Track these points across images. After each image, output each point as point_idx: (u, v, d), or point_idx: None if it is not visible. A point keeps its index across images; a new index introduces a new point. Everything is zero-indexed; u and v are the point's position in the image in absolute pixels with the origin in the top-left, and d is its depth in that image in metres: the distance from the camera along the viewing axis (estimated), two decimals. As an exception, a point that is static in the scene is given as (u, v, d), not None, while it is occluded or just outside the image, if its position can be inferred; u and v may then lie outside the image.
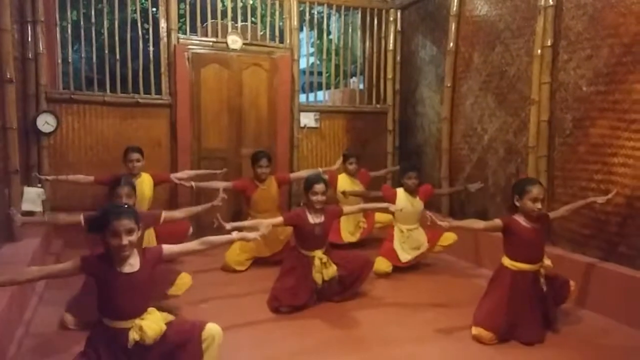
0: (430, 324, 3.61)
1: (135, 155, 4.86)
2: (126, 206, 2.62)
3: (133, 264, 2.49)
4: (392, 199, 4.83)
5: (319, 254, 3.92)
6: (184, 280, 3.62)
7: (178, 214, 4.02)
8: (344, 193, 5.47)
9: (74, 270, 2.46)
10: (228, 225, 3.42)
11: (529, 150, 4.64)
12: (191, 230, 4.71)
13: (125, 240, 2.39)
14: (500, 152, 5.19)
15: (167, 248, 2.66)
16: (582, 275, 3.89)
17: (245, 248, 4.86)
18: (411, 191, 4.92)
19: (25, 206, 4.74)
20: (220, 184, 5.17)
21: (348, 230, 5.67)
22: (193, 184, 5.05)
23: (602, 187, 3.95)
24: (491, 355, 3.16)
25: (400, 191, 4.94)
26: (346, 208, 4.35)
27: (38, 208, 4.93)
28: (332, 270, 3.89)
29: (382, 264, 4.72)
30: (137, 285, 2.47)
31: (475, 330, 3.30)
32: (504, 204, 5.01)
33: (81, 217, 3.41)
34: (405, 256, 4.81)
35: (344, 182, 5.77)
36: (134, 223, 2.45)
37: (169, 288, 3.55)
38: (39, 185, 5.08)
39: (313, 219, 3.95)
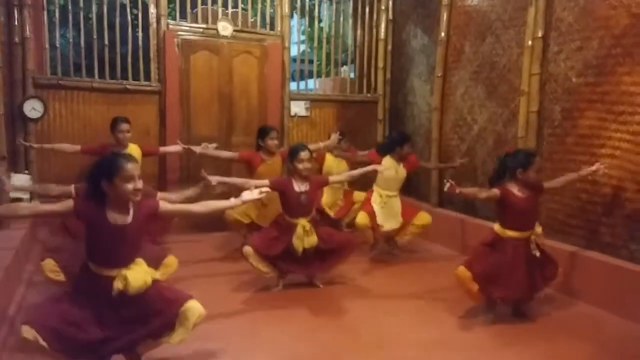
0: (418, 315, 3.66)
1: (125, 126, 4.83)
2: (129, 154, 2.61)
3: (126, 216, 2.46)
4: (377, 161, 4.85)
5: (302, 221, 3.97)
6: (170, 262, 3.58)
7: (174, 197, 3.95)
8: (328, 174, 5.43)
9: (66, 211, 2.45)
10: (213, 180, 3.57)
11: (518, 140, 4.68)
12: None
13: (139, 183, 2.40)
14: (489, 142, 5.22)
15: (164, 205, 2.64)
16: (567, 264, 3.95)
17: (247, 212, 4.87)
18: (398, 158, 4.97)
19: (13, 193, 4.68)
20: (226, 154, 5.20)
21: (326, 203, 5.71)
22: (198, 149, 5.01)
23: (590, 178, 3.99)
24: (482, 342, 3.22)
25: (387, 158, 4.96)
26: (332, 177, 4.45)
27: (26, 195, 4.88)
28: (312, 239, 3.95)
29: (363, 218, 4.81)
30: (128, 236, 2.45)
31: (459, 269, 3.42)
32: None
33: (72, 188, 3.41)
34: (382, 221, 4.84)
35: (329, 161, 5.77)
36: (139, 169, 2.46)
37: (157, 268, 3.47)
38: (26, 171, 5.03)
39: (299, 187, 4.02)
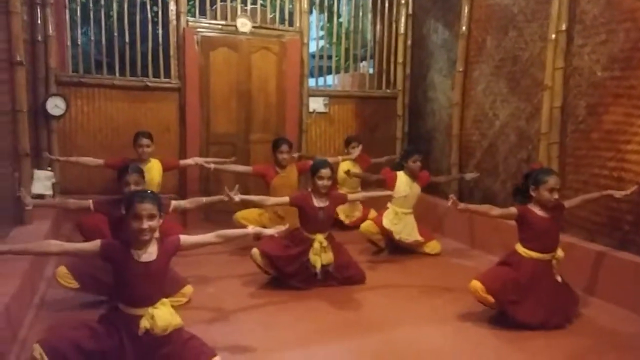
0: (431, 309, 3.64)
1: (145, 141, 4.86)
2: (150, 193, 2.62)
3: (151, 252, 2.50)
4: (392, 182, 4.90)
5: (320, 237, 3.97)
6: (186, 292, 3.56)
7: (187, 203, 3.99)
8: (347, 173, 5.55)
9: (93, 253, 2.49)
10: (236, 197, 3.65)
11: (541, 136, 4.59)
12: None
13: (146, 224, 2.41)
14: (511, 138, 5.13)
15: (185, 239, 2.66)
16: (593, 264, 3.86)
17: (261, 220, 4.89)
18: (413, 175, 4.94)
19: (36, 189, 4.76)
20: (240, 168, 5.23)
21: (344, 212, 5.88)
22: (212, 165, 5.04)
23: (615, 175, 3.90)
24: (491, 340, 3.16)
25: (400, 174, 4.96)
26: (350, 195, 4.51)
27: (48, 191, 4.97)
28: (328, 256, 3.95)
29: (370, 226, 4.85)
30: (154, 274, 2.48)
31: (473, 282, 3.31)
32: (514, 190, 4.99)
33: (90, 203, 3.45)
34: (398, 233, 4.83)
35: (345, 165, 5.96)
36: (157, 209, 2.48)
37: (176, 293, 3.45)
38: (49, 168, 5.10)
39: (318, 202, 4.02)
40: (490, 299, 3.25)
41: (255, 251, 3.92)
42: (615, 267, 3.75)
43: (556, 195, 3.34)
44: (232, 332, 3.18)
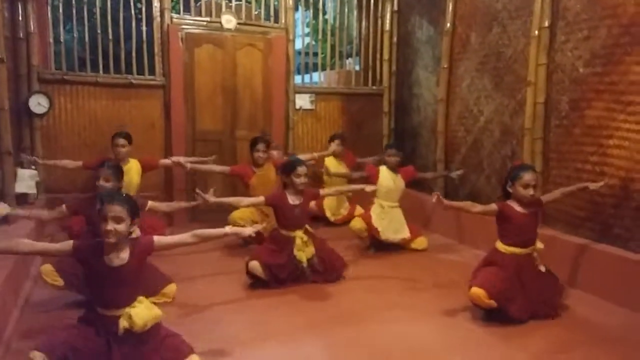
0: (421, 304, 3.66)
1: (121, 141, 4.80)
2: (123, 195, 2.56)
3: (123, 257, 2.45)
4: (375, 177, 4.98)
5: (299, 233, 4.00)
6: (168, 291, 3.49)
7: (163, 206, 3.98)
8: (328, 173, 5.68)
9: (66, 253, 2.47)
10: (211, 199, 3.74)
11: (525, 132, 4.63)
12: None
13: (111, 226, 2.36)
14: (495, 134, 5.18)
15: (158, 240, 2.61)
16: (575, 256, 3.92)
17: (250, 216, 4.90)
18: (392, 169, 5.04)
19: (19, 188, 4.71)
20: (218, 168, 5.21)
21: (330, 209, 5.95)
22: (189, 165, 5.01)
23: (597, 169, 3.96)
24: (480, 334, 3.19)
25: (383, 168, 5.08)
26: (323, 191, 4.54)
27: (32, 190, 4.91)
28: (310, 250, 3.99)
29: (358, 223, 4.89)
30: (125, 278, 2.44)
31: (474, 289, 3.28)
32: (500, 185, 5.04)
33: (63, 208, 3.46)
34: (384, 232, 4.87)
35: (329, 163, 6.00)
36: (126, 213, 2.41)
37: (152, 296, 3.35)
38: (33, 167, 5.04)
39: (293, 200, 4.08)
40: (493, 303, 3.25)
41: (255, 264, 3.87)
42: (597, 259, 3.82)
43: (531, 191, 3.39)
44: (219, 329, 3.18)
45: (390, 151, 5.09)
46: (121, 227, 2.39)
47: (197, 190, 3.82)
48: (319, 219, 5.81)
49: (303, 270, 3.95)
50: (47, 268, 3.33)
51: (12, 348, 2.83)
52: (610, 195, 3.87)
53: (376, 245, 4.98)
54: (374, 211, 4.94)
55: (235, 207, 4.72)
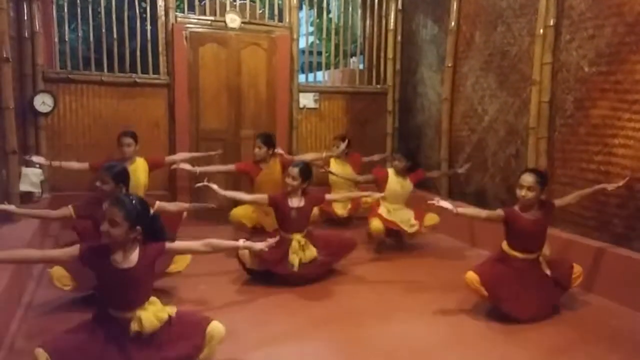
0: (424, 305, 3.63)
1: (127, 140, 4.79)
2: (133, 199, 2.51)
3: (131, 259, 2.45)
4: (383, 180, 4.94)
5: (297, 237, 3.99)
6: (178, 258, 3.57)
7: (171, 207, 3.99)
8: (327, 171, 5.61)
9: (72, 259, 2.47)
10: (219, 190, 3.91)
11: (530, 131, 4.61)
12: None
13: (105, 227, 2.37)
14: (500, 133, 5.16)
15: (170, 246, 2.63)
16: (587, 259, 3.86)
17: (252, 215, 4.89)
18: (400, 173, 4.98)
19: (24, 187, 4.73)
20: (223, 167, 5.21)
21: (337, 206, 5.86)
22: (198, 169, 4.94)
23: (602, 169, 3.94)
24: (485, 335, 3.18)
25: (391, 172, 5.02)
26: (328, 196, 4.54)
27: (37, 189, 4.93)
28: (310, 253, 3.97)
29: (377, 223, 4.79)
30: (134, 280, 2.45)
31: (468, 273, 3.31)
32: (504, 185, 5.02)
33: (70, 208, 3.44)
34: (399, 223, 4.84)
35: (334, 165, 5.91)
36: (123, 217, 2.38)
37: (168, 267, 3.52)
38: (38, 166, 5.06)
39: (292, 202, 4.06)
40: (484, 291, 3.27)
41: (244, 252, 3.91)
42: (601, 259, 3.79)
43: (524, 193, 3.36)
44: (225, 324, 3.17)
45: (396, 156, 5.06)
46: (115, 231, 2.38)
47: (205, 182, 3.93)
48: (332, 220, 5.81)
49: (292, 273, 3.91)
50: (58, 272, 3.27)
51: (15, 348, 2.84)
52: (615, 195, 3.84)
53: (392, 241, 5.01)
54: (382, 212, 4.90)
55: (237, 203, 4.72)
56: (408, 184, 5.01)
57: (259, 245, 2.94)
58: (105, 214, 2.39)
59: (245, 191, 4.93)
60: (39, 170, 5.01)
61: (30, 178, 4.84)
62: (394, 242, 5.11)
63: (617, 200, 3.84)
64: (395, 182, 4.94)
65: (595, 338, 3.13)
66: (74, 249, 2.46)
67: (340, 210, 5.88)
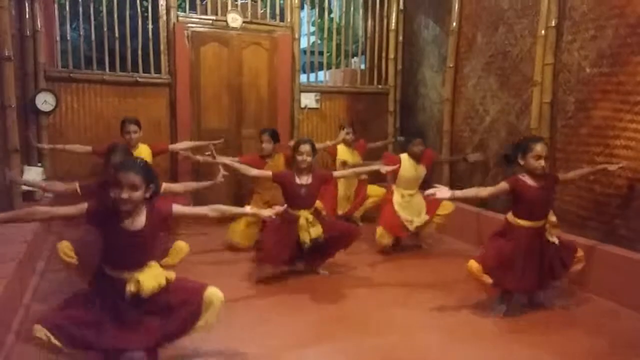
0: (428, 306, 3.63)
1: (132, 127, 4.82)
2: (141, 162, 2.51)
3: (140, 220, 2.44)
4: (392, 163, 4.78)
5: (305, 213, 4.02)
6: (180, 247, 3.54)
7: (178, 187, 3.94)
8: (344, 163, 5.56)
9: (79, 216, 2.43)
10: (223, 159, 4.13)
11: (531, 132, 4.61)
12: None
13: (125, 194, 2.34)
14: (501, 134, 5.16)
15: (177, 208, 2.61)
16: (587, 259, 3.84)
17: (249, 236, 4.86)
18: (416, 158, 4.91)
19: (24, 187, 4.72)
20: (227, 160, 5.21)
21: (339, 196, 5.81)
22: (200, 158, 4.98)
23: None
24: (488, 337, 3.18)
25: (404, 157, 4.91)
26: (336, 173, 4.54)
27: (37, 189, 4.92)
28: (317, 230, 4.00)
29: (383, 237, 4.76)
30: (141, 241, 2.45)
31: (470, 262, 3.34)
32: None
33: (77, 185, 3.45)
34: (410, 221, 4.79)
35: (342, 152, 5.89)
36: (141, 180, 2.38)
37: (163, 258, 3.43)
38: (39, 164, 5.07)
39: (300, 180, 4.09)
40: (488, 279, 3.27)
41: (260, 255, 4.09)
42: (603, 260, 3.79)
43: (542, 163, 3.33)
44: (223, 328, 3.16)
45: (416, 141, 4.89)
46: (137, 195, 2.37)
47: (212, 149, 4.33)
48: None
49: (305, 250, 4.01)
50: (65, 245, 3.28)
51: (20, 339, 2.84)
52: (616, 196, 3.85)
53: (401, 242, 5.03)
54: (395, 200, 4.86)
55: (242, 174, 4.65)
56: (422, 168, 4.95)
57: (266, 212, 2.96)
58: (119, 181, 2.34)
59: (248, 185, 4.95)
60: (40, 169, 5.02)
61: (32, 176, 4.84)
62: (395, 242, 5.09)
63: (619, 200, 3.84)
64: (409, 168, 4.87)
65: (595, 338, 3.13)
66: (82, 207, 2.42)
67: (340, 210, 5.86)
